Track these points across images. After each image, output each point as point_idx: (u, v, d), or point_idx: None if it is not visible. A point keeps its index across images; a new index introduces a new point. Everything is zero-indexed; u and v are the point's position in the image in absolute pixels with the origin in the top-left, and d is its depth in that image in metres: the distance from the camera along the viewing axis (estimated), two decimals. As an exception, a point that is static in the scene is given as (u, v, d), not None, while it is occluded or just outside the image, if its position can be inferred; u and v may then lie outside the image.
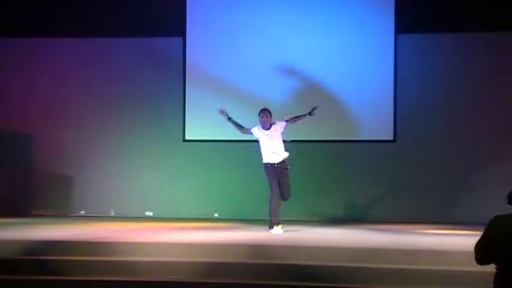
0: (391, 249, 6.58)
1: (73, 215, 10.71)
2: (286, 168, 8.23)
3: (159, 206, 10.56)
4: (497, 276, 3.54)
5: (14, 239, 7.11)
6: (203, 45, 10.70)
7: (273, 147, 8.24)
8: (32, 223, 9.08)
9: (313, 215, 9.74)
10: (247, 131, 8.49)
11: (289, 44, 10.43)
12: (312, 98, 10.28)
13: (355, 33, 10.35)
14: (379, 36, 10.31)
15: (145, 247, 6.82)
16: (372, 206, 10.26)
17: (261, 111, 8.36)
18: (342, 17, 10.46)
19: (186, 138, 10.74)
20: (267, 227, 8.17)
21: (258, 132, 8.37)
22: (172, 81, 10.71)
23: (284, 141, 8.36)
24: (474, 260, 3.61)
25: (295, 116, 8.44)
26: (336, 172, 10.27)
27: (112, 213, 10.64)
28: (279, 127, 8.31)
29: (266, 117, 8.27)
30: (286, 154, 8.29)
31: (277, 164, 8.21)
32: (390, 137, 10.29)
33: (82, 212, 10.78)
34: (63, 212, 10.71)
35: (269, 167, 8.24)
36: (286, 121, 8.37)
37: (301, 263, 6.27)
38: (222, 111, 8.52)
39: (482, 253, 3.54)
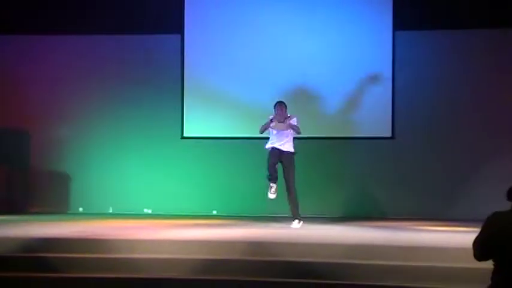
0: (389, 246, 6.58)
1: (71, 212, 10.71)
2: (293, 158, 8.22)
3: (157, 203, 10.56)
4: (495, 272, 3.55)
5: (12, 236, 7.11)
6: (201, 42, 10.70)
7: (283, 137, 8.26)
8: (30, 220, 9.08)
9: (311, 211, 9.72)
10: (269, 124, 8.38)
11: (287, 41, 10.43)
12: (309, 95, 10.31)
13: (353, 30, 10.36)
14: (377, 33, 10.31)
15: (144, 244, 6.82)
16: (370, 203, 10.27)
17: (276, 104, 8.37)
18: (340, 13, 10.46)
19: (185, 135, 10.74)
20: (267, 224, 8.34)
21: (272, 123, 8.33)
22: (170, 79, 10.71)
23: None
24: (472, 257, 3.62)
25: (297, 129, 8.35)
26: (334, 169, 10.27)
27: (110, 210, 10.64)
28: (291, 123, 8.29)
29: (282, 111, 8.28)
30: (293, 149, 8.29)
31: (284, 151, 8.21)
32: (388, 134, 10.30)
33: (80, 209, 10.77)
34: (62, 210, 10.71)
35: (271, 153, 8.25)
36: (294, 125, 8.31)
37: (299, 259, 6.28)
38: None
39: (481, 250, 3.55)
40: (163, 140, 10.68)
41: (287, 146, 8.33)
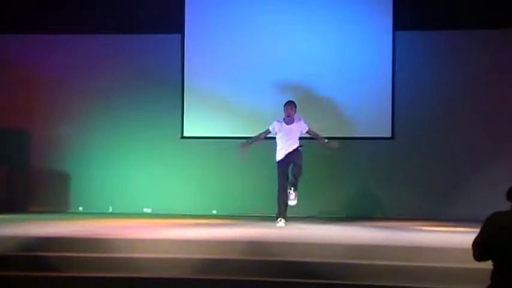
0: (388, 246, 6.58)
1: (71, 211, 10.71)
2: (300, 152, 8.26)
3: (157, 203, 10.56)
4: (495, 273, 3.55)
5: (12, 235, 7.10)
6: (201, 42, 10.70)
7: (289, 143, 8.27)
8: (30, 219, 9.08)
9: (311, 211, 9.75)
10: (266, 133, 8.48)
11: (287, 41, 10.43)
12: (309, 96, 10.31)
13: (353, 30, 10.36)
14: (377, 33, 10.33)
15: (144, 244, 6.82)
16: (369, 203, 10.28)
17: (286, 104, 8.36)
18: (340, 14, 10.47)
19: (185, 135, 10.74)
20: (267, 223, 8.35)
21: (278, 126, 8.34)
22: (170, 78, 10.71)
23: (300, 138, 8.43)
24: (472, 257, 3.62)
25: (316, 134, 8.46)
26: (334, 169, 10.28)
27: (110, 210, 10.65)
28: (299, 127, 8.33)
29: (291, 110, 8.26)
30: (297, 144, 8.31)
31: (287, 154, 8.25)
32: (388, 134, 10.31)
33: (80, 209, 10.78)
34: (62, 209, 10.71)
35: (280, 164, 8.29)
36: (308, 131, 8.38)
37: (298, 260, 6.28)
38: (243, 146, 8.58)
39: (480, 250, 3.55)
40: (163, 140, 10.68)
41: (290, 146, 8.33)
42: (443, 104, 10.18)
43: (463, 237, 6.48)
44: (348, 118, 10.35)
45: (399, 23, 10.21)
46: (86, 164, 10.77)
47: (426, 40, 10.25)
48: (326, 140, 8.47)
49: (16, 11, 10.76)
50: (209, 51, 10.67)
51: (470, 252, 3.59)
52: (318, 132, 8.53)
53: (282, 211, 8.31)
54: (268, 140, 9.79)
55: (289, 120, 8.35)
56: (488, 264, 3.60)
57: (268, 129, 8.49)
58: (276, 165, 8.36)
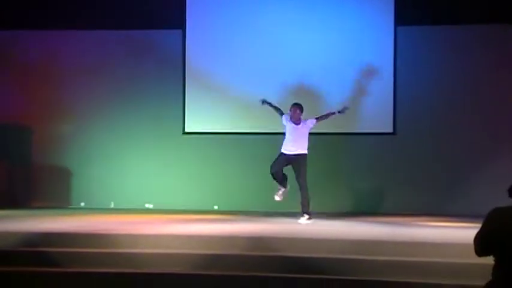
0: (390, 242, 6.59)
1: (73, 207, 10.72)
2: (303, 158, 8.38)
3: (158, 198, 10.56)
4: (496, 268, 3.55)
5: (13, 231, 7.12)
6: (203, 38, 10.69)
7: (296, 142, 8.40)
8: (32, 215, 9.09)
9: (313, 207, 9.72)
10: (280, 113, 8.65)
11: (289, 37, 10.41)
12: (311, 91, 10.30)
13: (354, 25, 10.34)
14: (379, 29, 10.30)
15: (145, 239, 6.84)
16: (371, 198, 10.27)
17: (292, 106, 8.48)
18: (341, 9, 10.45)
19: (186, 130, 10.74)
20: (268, 219, 8.50)
21: (287, 123, 8.52)
22: (172, 74, 10.70)
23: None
24: (473, 253, 3.62)
25: (325, 113, 8.68)
26: (336, 164, 10.27)
27: (112, 206, 10.65)
28: (308, 124, 8.48)
29: (295, 113, 8.41)
30: (305, 150, 8.42)
31: (292, 155, 8.37)
32: (390, 130, 10.30)
33: (82, 204, 10.79)
34: (63, 204, 10.72)
35: (282, 156, 8.44)
36: (316, 119, 8.56)
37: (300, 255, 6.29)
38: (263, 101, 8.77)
39: (481, 245, 3.55)
40: (164, 136, 10.68)
41: (298, 149, 8.43)
42: (445, 99, 10.16)
43: (465, 232, 6.48)
44: (349, 114, 10.25)
45: (401, 19, 10.19)
46: (88, 159, 10.77)
47: (428, 36, 10.22)
48: (337, 111, 8.65)
49: (17, 8, 10.74)
50: (210, 47, 10.66)
51: (472, 248, 3.59)
52: (323, 113, 8.70)
53: (283, 182, 8.51)
54: (269, 136, 9.82)
55: (296, 121, 8.48)
56: (489, 260, 3.60)
57: (282, 114, 8.65)
58: (279, 153, 8.50)
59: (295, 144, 8.43)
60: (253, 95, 10.39)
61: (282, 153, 8.50)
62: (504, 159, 9.80)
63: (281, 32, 10.43)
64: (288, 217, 8.75)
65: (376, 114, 10.26)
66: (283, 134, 8.63)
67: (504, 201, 3.59)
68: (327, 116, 8.72)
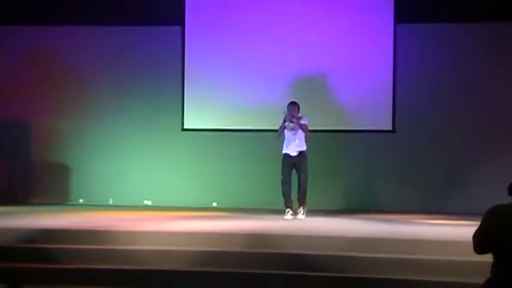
0: (388, 239, 6.59)
1: (72, 203, 10.72)
2: (305, 157, 8.48)
3: (157, 195, 10.56)
4: (495, 266, 3.55)
5: (13, 227, 7.12)
6: (202, 34, 10.68)
7: (293, 140, 8.48)
8: (31, 211, 9.09)
9: (311, 204, 9.71)
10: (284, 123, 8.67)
11: (288, 34, 10.40)
12: (310, 88, 10.29)
13: (354, 22, 10.33)
14: (378, 26, 10.30)
15: (144, 236, 6.84)
16: (370, 196, 10.28)
17: (289, 105, 8.54)
18: (341, 6, 10.44)
19: (185, 127, 10.74)
20: (267, 216, 8.47)
21: (287, 121, 8.57)
22: (171, 70, 10.69)
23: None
24: (472, 250, 3.62)
25: (304, 130, 8.51)
26: (335, 162, 10.27)
27: (111, 202, 10.65)
28: (304, 122, 8.51)
29: (292, 111, 8.46)
30: (305, 148, 8.50)
31: (294, 156, 8.47)
32: (389, 128, 10.29)
33: (81, 201, 10.79)
34: (62, 201, 10.72)
35: (284, 158, 8.52)
36: (305, 125, 8.50)
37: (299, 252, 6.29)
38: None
39: (481, 243, 3.55)
40: (163, 132, 10.67)
41: (298, 147, 8.50)
42: (444, 97, 10.16)
43: (463, 230, 6.49)
44: (348, 111, 10.33)
45: (400, 16, 10.18)
46: (87, 156, 10.77)
47: (427, 32, 10.21)
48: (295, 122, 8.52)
49: (16, 3, 10.72)
50: (210, 43, 10.65)
51: (471, 245, 3.59)
52: (307, 130, 8.56)
53: (287, 202, 8.48)
54: (268, 133, 9.83)
55: (292, 118, 8.50)
56: (488, 257, 3.60)
57: (283, 119, 8.63)
58: (282, 156, 8.56)
59: (295, 142, 8.49)
60: (253, 92, 10.42)
61: (285, 154, 8.51)
62: (503, 157, 9.80)
63: (281, 29, 10.42)
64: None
65: (375, 111, 10.26)
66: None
67: (503, 199, 3.60)
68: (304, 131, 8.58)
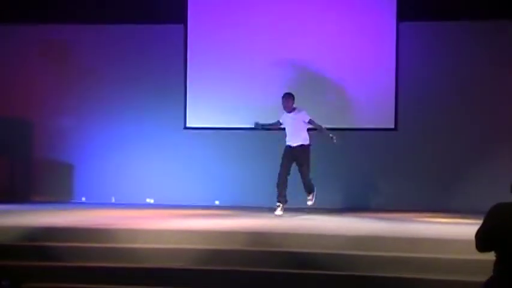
0: (390, 237, 6.59)
1: (74, 201, 10.73)
2: (306, 151, 8.52)
3: (159, 193, 10.57)
4: (497, 264, 3.55)
5: (14, 225, 7.13)
6: (205, 32, 10.67)
7: (293, 130, 8.55)
8: (33, 209, 9.10)
9: (313, 202, 9.72)
10: (278, 124, 8.81)
11: (290, 32, 10.38)
12: (312, 86, 10.28)
13: (356, 21, 10.31)
14: (381, 24, 10.28)
15: (146, 234, 6.84)
16: (372, 194, 10.27)
17: (283, 97, 8.65)
18: (343, 5, 10.43)
19: (187, 125, 10.74)
20: (269, 214, 8.46)
21: (283, 117, 8.69)
22: (173, 69, 10.69)
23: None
24: (474, 248, 3.61)
25: (318, 125, 8.62)
26: (336, 160, 10.25)
27: (113, 200, 10.65)
28: (301, 116, 8.55)
29: (286, 102, 8.58)
30: (306, 142, 8.55)
31: (294, 146, 8.51)
32: (391, 126, 10.28)
33: (83, 199, 10.80)
34: (64, 199, 10.73)
35: (284, 153, 8.58)
36: (310, 121, 8.56)
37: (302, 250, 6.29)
38: (256, 124, 8.98)
39: (483, 241, 3.55)
40: (166, 130, 10.67)
41: (298, 140, 8.53)
42: (446, 95, 10.13)
43: (466, 228, 6.48)
44: (351, 109, 10.32)
45: (403, 14, 10.16)
46: (89, 154, 10.77)
47: (430, 30, 10.19)
48: (331, 135, 8.61)
49: (18, 1, 10.72)
50: (212, 41, 10.64)
51: (473, 244, 3.59)
52: (321, 125, 8.67)
53: (280, 198, 8.51)
54: (270, 131, 9.82)
55: (288, 110, 8.61)
56: (490, 256, 3.59)
57: (279, 121, 8.80)
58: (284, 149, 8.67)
59: (294, 134, 8.54)
60: (255, 90, 10.42)
61: (286, 146, 8.59)
62: (505, 155, 9.78)
63: (283, 28, 10.40)
64: (288, 212, 8.74)
65: (377, 109, 10.25)
66: (284, 129, 8.68)
67: (505, 197, 3.59)
68: (320, 128, 8.66)
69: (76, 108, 10.85)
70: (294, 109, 8.60)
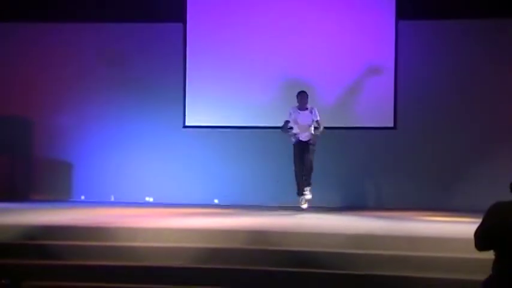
0: (389, 236, 6.60)
1: (73, 200, 10.73)
2: (310, 144, 8.90)
3: (159, 192, 10.56)
4: (496, 263, 3.55)
5: (14, 224, 7.13)
6: (204, 31, 10.66)
7: (306, 127, 8.89)
8: (32, 208, 9.10)
9: (312, 201, 9.72)
10: (288, 123, 9.02)
11: (290, 31, 10.38)
12: (311, 85, 10.26)
13: (355, 20, 10.31)
14: (380, 22, 10.27)
15: (145, 232, 6.84)
16: (371, 192, 10.27)
17: (299, 93, 9.00)
18: (343, 3, 10.43)
19: (186, 124, 10.73)
20: (268, 213, 8.62)
21: (294, 113, 8.95)
22: (172, 67, 10.68)
23: (290, 128, 8.70)
24: (473, 247, 3.62)
25: (318, 127, 8.98)
26: (336, 159, 10.26)
27: (112, 199, 10.65)
28: (314, 115, 8.96)
29: (305, 99, 8.95)
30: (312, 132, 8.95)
31: (306, 141, 8.88)
32: (390, 124, 10.28)
33: (82, 198, 10.79)
34: (63, 197, 10.73)
35: (295, 149, 8.92)
36: (317, 121, 8.96)
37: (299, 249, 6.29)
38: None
39: (482, 240, 3.55)
40: (165, 129, 10.67)
41: (308, 135, 8.93)
42: (446, 94, 10.13)
43: (464, 227, 6.49)
44: (350, 108, 10.32)
45: (402, 13, 10.16)
46: (88, 153, 10.77)
47: (429, 29, 10.19)
48: (316, 132, 8.99)
49: (16, 0, 10.72)
50: (211, 40, 10.63)
51: (472, 242, 3.59)
52: (321, 126, 9.02)
53: (300, 190, 8.87)
54: (269, 130, 9.83)
55: (302, 107, 8.94)
56: (490, 254, 3.60)
57: (288, 120, 8.99)
58: (292, 147, 8.95)
59: (306, 130, 8.89)
60: (254, 89, 10.41)
61: (297, 142, 8.88)
62: (505, 154, 9.78)
63: (282, 27, 10.40)
64: (288, 211, 8.75)
65: (376, 108, 10.25)
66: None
67: (505, 196, 3.59)
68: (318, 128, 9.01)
69: (76, 107, 10.83)
70: (307, 108, 8.95)
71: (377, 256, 6.12)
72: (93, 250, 6.47)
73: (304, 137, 8.90)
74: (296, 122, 8.94)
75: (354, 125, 10.35)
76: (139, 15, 10.64)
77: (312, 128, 8.95)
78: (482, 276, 3.66)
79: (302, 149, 8.89)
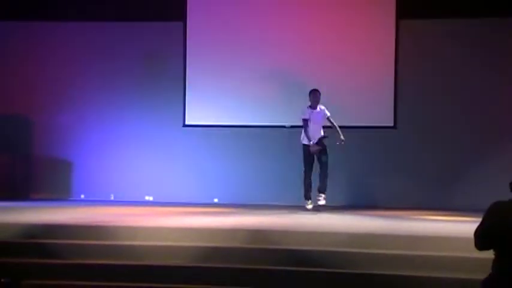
0: (389, 235, 6.59)
1: (73, 199, 10.73)
2: (322, 143, 8.88)
3: (158, 191, 10.57)
4: (496, 262, 3.55)
5: (13, 222, 7.13)
6: (204, 29, 10.66)
7: (315, 128, 8.84)
8: (32, 207, 9.10)
9: (313, 200, 9.73)
10: (307, 123, 8.94)
11: (290, 29, 10.38)
12: (312, 84, 10.25)
13: (356, 18, 10.31)
14: (380, 21, 10.27)
15: (145, 231, 6.84)
16: (371, 192, 10.27)
17: (312, 92, 8.92)
18: (343, 2, 10.42)
19: (186, 123, 10.73)
20: (268, 212, 8.52)
21: (307, 113, 8.85)
22: (172, 66, 10.68)
23: (284, 126, 8.62)
24: (473, 246, 3.62)
25: (333, 124, 8.97)
26: (336, 158, 10.25)
27: (112, 198, 10.65)
28: (323, 113, 8.91)
29: (318, 97, 8.87)
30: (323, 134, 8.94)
31: (316, 142, 8.81)
32: (390, 124, 10.28)
33: (82, 196, 10.79)
34: (63, 196, 10.73)
35: (307, 150, 8.81)
36: (329, 117, 8.96)
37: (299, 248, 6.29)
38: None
39: (482, 239, 3.55)
40: (165, 128, 10.67)
41: (321, 132, 8.93)
42: (446, 93, 10.13)
43: (465, 226, 6.49)
44: (350, 107, 10.30)
45: (403, 11, 10.16)
46: (88, 152, 10.77)
47: (430, 28, 10.19)
48: (342, 138, 8.89)
49: (15, 1, 10.72)
50: (211, 39, 10.63)
51: (472, 241, 3.59)
52: (336, 126, 9.00)
53: (307, 194, 8.84)
54: (269, 129, 9.83)
55: (315, 106, 8.87)
56: (489, 254, 3.60)
57: (306, 119, 8.88)
58: (303, 147, 8.84)
59: (320, 128, 8.87)
60: (254, 88, 10.41)
61: (305, 145, 8.77)
62: (505, 153, 9.78)
63: (282, 25, 10.40)
64: (288, 210, 8.74)
65: (376, 107, 10.25)
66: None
67: (505, 196, 3.59)
68: (333, 125, 8.99)
69: (75, 106, 10.83)
70: (318, 107, 8.92)
71: (377, 255, 6.11)
72: (93, 249, 6.46)
73: (317, 136, 8.85)
74: (312, 122, 8.85)
75: (354, 124, 10.33)
76: (139, 14, 10.64)
77: (323, 133, 8.89)
78: (482, 276, 3.67)
79: (318, 149, 8.80)
